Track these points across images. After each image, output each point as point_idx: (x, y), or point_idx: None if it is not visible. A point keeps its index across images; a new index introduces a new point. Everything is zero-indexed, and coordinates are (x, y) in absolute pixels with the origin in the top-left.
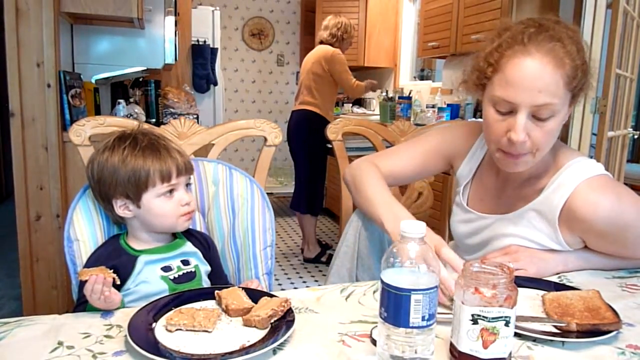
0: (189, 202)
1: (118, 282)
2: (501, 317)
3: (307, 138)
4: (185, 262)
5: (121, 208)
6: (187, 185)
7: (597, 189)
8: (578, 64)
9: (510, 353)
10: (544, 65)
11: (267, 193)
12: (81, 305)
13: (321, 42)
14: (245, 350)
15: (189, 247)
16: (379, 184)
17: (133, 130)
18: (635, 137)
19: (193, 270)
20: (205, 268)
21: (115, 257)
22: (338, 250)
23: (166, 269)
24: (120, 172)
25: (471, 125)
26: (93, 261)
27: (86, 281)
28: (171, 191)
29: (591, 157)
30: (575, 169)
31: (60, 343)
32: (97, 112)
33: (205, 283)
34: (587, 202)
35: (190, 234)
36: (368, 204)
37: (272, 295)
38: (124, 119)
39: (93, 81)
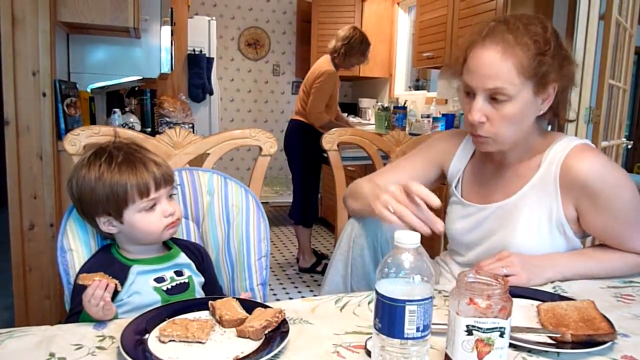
0: (173, 212)
1: (120, 290)
2: (496, 327)
3: (300, 148)
4: (179, 273)
5: (105, 224)
6: (171, 195)
7: (589, 151)
8: (534, 53)
9: None
10: (494, 54)
11: (263, 202)
12: (74, 315)
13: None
14: None
15: (182, 258)
16: (372, 184)
17: (108, 144)
18: (629, 147)
19: (187, 281)
20: (199, 279)
21: (108, 267)
22: (332, 258)
23: (159, 280)
24: (98, 190)
25: (456, 129)
26: (85, 271)
27: (85, 287)
28: (153, 205)
29: None
30: (563, 142)
31: (51, 354)
32: (93, 121)
33: (199, 294)
34: (581, 161)
35: (184, 245)
36: (361, 199)
37: (266, 306)
38: (119, 128)
39: (89, 90)
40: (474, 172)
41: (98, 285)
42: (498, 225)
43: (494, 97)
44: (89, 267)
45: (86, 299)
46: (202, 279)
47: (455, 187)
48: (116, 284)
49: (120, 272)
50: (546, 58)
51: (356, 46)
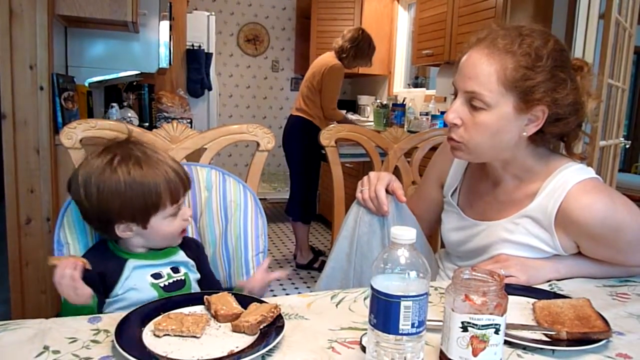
0: (189, 216)
1: (89, 267)
2: (491, 324)
3: (300, 144)
4: (175, 270)
5: (123, 230)
6: None
7: (590, 191)
8: (521, 65)
9: None
10: (480, 56)
11: (261, 199)
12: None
13: (334, 50)
14: (233, 356)
15: (180, 256)
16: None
17: (129, 146)
18: (627, 146)
19: (183, 278)
20: (194, 276)
21: (104, 261)
22: (338, 235)
23: (156, 276)
24: (127, 196)
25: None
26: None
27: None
28: (178, 211)
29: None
30: (566, 174)
31: (46, 348)
32: (90, 115)
33: (195, 291)
34: (581, 205)
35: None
36: None
37: (261, 301)
38: (116, 122)
39: (86, 84)
40: (472, 184)
41: (66, 265)
42: (492, 242)
43: (472, 103)
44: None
45: (56, 280)
46: (198, 276)
47: (452, 195)
48: (85, 263)
49: (116, 266)
50: (533, 73)
51: (365, 50)
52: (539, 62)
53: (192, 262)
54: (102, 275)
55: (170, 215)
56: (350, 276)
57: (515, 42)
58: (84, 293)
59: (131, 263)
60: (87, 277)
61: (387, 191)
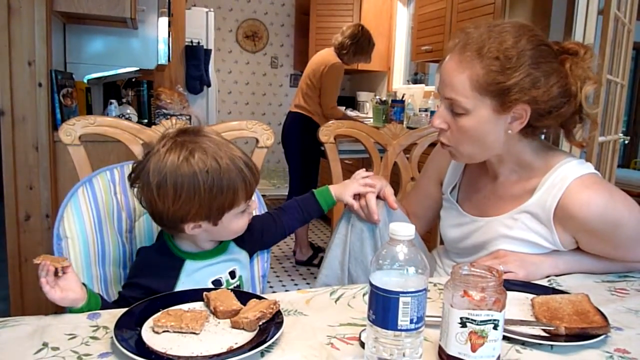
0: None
1: (64, 265)
2: (490, 320)
3: (299, 141)
4: (232, 275)
5: (192, 228)
6: None
7: (589, 187)
8: (492, 69)
9: (499, 356)
10: (452, 63)
11: (260, 195)
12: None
13: (334, 46)
14: (232, 352)
15: (234, 251)
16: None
17: (200, 139)
18: (626, 142)
19: (238, 283)
20: (246, 274)
21: (161, 257)
22: (330, 242)
23: (217, 283)
24: (205, 196)
25: None
26: (141, 262)
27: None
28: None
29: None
30: (565, 169)
31: (45, 344)
32: (89, 112)
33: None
34: (580, 200)
35: None
36: None
37: (261, 297)
38: (115, 118)
39: (85, 81)
40: (471, 180)
41: (42, 267)
42: (491, 238)
43: (452, 109)
44: (145, 258)
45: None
46: (249, 273)
47: (451, 192)
48: (56, 268)
49: (173, 266)
50: (504, 77)
51: (365, 46)
52: (508, 65)
53: (244, 253)
54: (150, 289)
55: (241, 212)
56: (345, 283)
57: (485, 46)
58: (60, 298)
59: (189, 265)
60: (137, 287)
61: (379, 197)
